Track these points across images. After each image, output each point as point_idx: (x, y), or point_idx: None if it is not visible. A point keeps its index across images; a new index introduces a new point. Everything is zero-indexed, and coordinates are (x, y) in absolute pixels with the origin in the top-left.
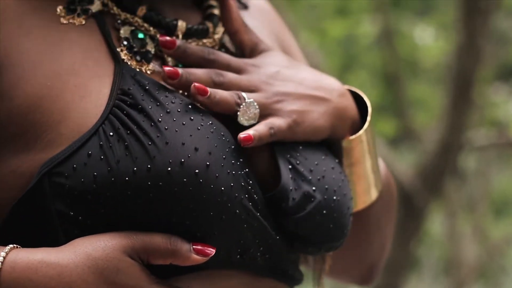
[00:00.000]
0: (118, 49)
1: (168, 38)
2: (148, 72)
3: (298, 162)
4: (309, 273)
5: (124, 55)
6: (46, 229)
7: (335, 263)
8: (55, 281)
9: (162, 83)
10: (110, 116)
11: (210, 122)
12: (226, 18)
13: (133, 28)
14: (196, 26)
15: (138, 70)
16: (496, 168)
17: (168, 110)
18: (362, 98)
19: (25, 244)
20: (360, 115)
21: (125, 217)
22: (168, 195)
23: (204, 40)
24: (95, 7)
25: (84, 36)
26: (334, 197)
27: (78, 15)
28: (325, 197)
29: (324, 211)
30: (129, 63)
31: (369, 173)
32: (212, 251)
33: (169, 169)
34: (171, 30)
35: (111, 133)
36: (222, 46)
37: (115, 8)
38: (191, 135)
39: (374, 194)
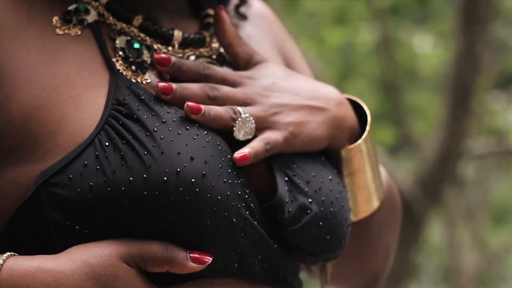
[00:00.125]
0: (114, 59)
1: (163, 55)
2: (144, 82)
3: (294, 174)
4: (308, 281)
5: (119, 65)
6: (44, 239)
7: (338, 271)
8: (52, 287)
9: None
10: (106, 126)
11: (206, 132)
12: (219, 31)
13: (128, 38)
14: (193, 36)
15: (133, 80)
16: (495, 176)
17: (163, 120)
18: (361, 107)
19: (23, 253)
20: (359, 124)
21: (121, 227)
22: (164, 205)
23: (201, 49)
24: (91, 17)
25: (80, 47)
26: (331, 209)
27: (74, 26)
28: (322, 209)
29: (321, 223)
30: (124, 73)
31: (370, 182)
32: (209, 259)
33: (165, 178)
34: (167, 39)
35: (107, 143)
36: (219, 55)
37: (111, 18)
38: (186, 145)
39: (375, 203)
